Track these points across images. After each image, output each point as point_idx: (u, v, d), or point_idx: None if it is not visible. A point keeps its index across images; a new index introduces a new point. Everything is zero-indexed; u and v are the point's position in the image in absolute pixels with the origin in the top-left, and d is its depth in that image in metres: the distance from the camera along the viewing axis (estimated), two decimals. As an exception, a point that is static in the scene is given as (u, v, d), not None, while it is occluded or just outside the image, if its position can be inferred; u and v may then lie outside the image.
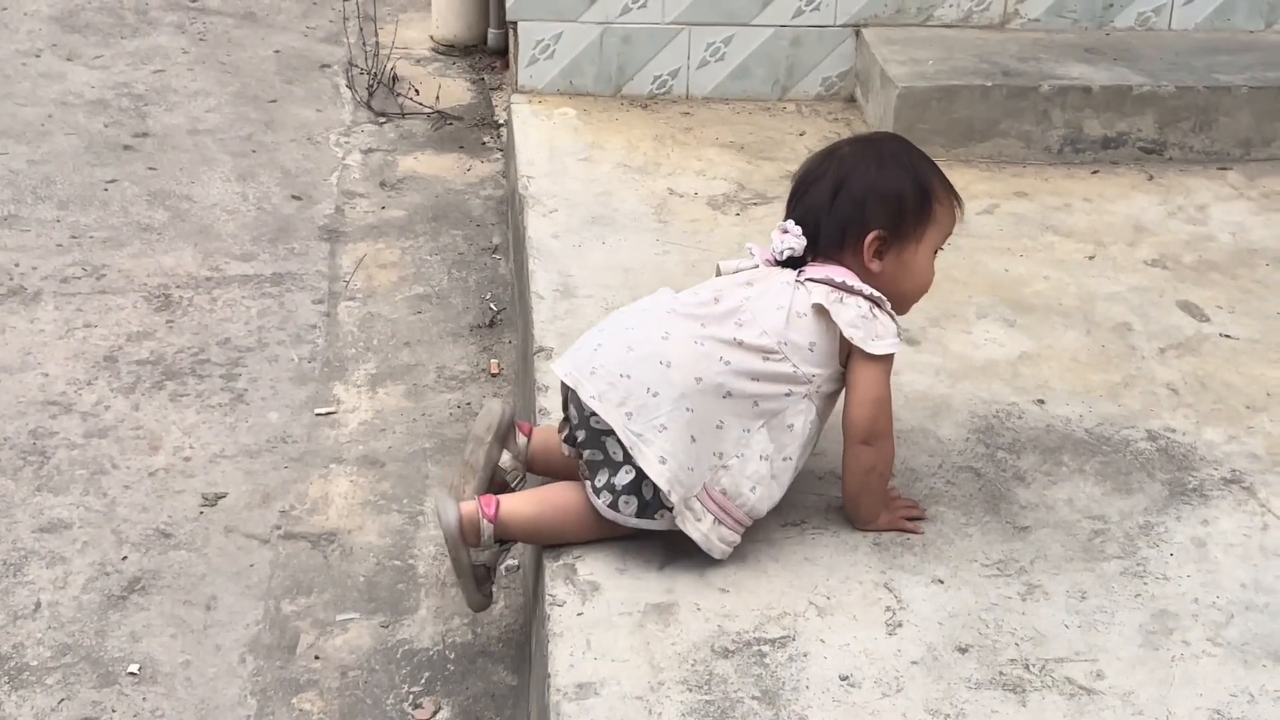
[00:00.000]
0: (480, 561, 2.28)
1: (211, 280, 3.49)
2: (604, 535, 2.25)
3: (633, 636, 2.10)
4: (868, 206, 2.27)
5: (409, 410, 3.06)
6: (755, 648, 2.08)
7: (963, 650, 2.09)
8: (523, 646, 2.43)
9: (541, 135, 3.83)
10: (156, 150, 4.15)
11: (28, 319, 3.27)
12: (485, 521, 2.24)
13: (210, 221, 3.78)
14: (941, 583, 2.22)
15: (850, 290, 2.22)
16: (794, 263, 2.30)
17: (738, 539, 2.22)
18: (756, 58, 4.07)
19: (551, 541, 2.26)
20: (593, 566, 2.24)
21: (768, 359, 2.19)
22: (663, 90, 4.10)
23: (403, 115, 4.52)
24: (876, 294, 2.24)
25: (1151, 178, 3.70)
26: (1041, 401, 2.69)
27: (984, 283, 3.13)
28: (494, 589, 2.37)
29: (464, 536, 2.25)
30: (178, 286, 3.45)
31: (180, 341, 3.22)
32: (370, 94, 4.61)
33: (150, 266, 3.53)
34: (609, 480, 2.20)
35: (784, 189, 3.53)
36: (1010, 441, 2.57)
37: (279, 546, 2.63)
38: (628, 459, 2.17)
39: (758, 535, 2.29)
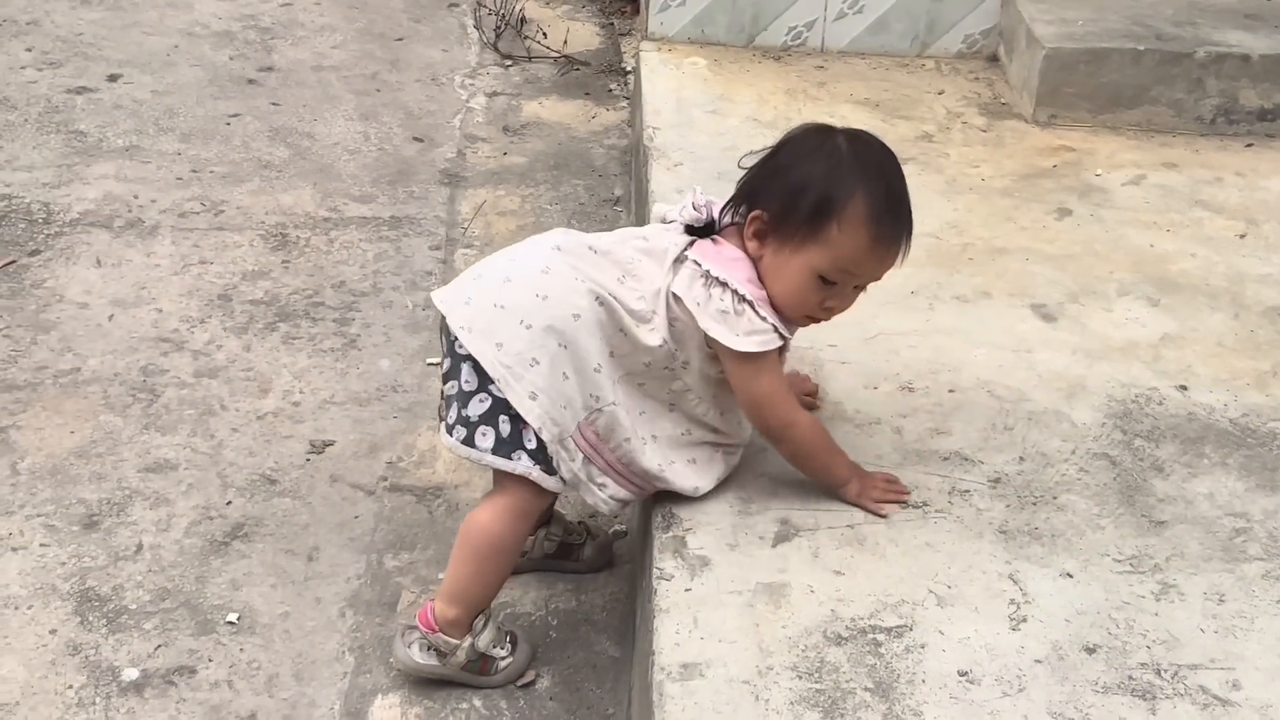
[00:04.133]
0: (483, 652, 2.20)
1: (329, 221, 3.44)
2: (521, 542, 2.19)
3: (741, 617, 2.01)
4: (771, 184, 2.08)
5: (522, 363, 2.99)
6: (870, 636, 1.98)
7: (1090, 650, 1.97)
8: (627, 617, 2.35)
9: (670, 85, 3.72)
10: (280, 85, 4.10)
11: (144, 252, 3.24)
12: (432, 635, 2.16)
13: (330, 161, 3.73)
14: (1070, 577, 2.10)
15: (718, 282, 2.07)
16: (709, 228, 2.16)
17: (622, 492, 2.16)
18: (896, 11, 3.93)
19: (498, 585, 2.19)
20: (703, 540, 2.15)
21: (639, 325, 2.09)
22: (797, 42, 3.97)
23: (529, 58, 4.44)
24: (749, 293, 2.06)
25: (1309, 153, 3.52)
26: (1184, 387, 2.55)
27: (1127, 258, 2.98)
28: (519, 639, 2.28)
29: (440, 658, 2.18)
30: (295, 226, 3.40)
31: (295, 283, 3.18)
32: (497, 35, 4.53)
33: (269, 204, 3.48)
34: (460, 413, 2.08)
35: (920, 149, 3.42)
36: (1149, 429, 2.43)
37: (384, 499, 2.58)
38: (483, 387, 2.07)
39: (875, 517, 2.19)
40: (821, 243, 2.03)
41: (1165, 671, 1.94)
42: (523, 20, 4.63)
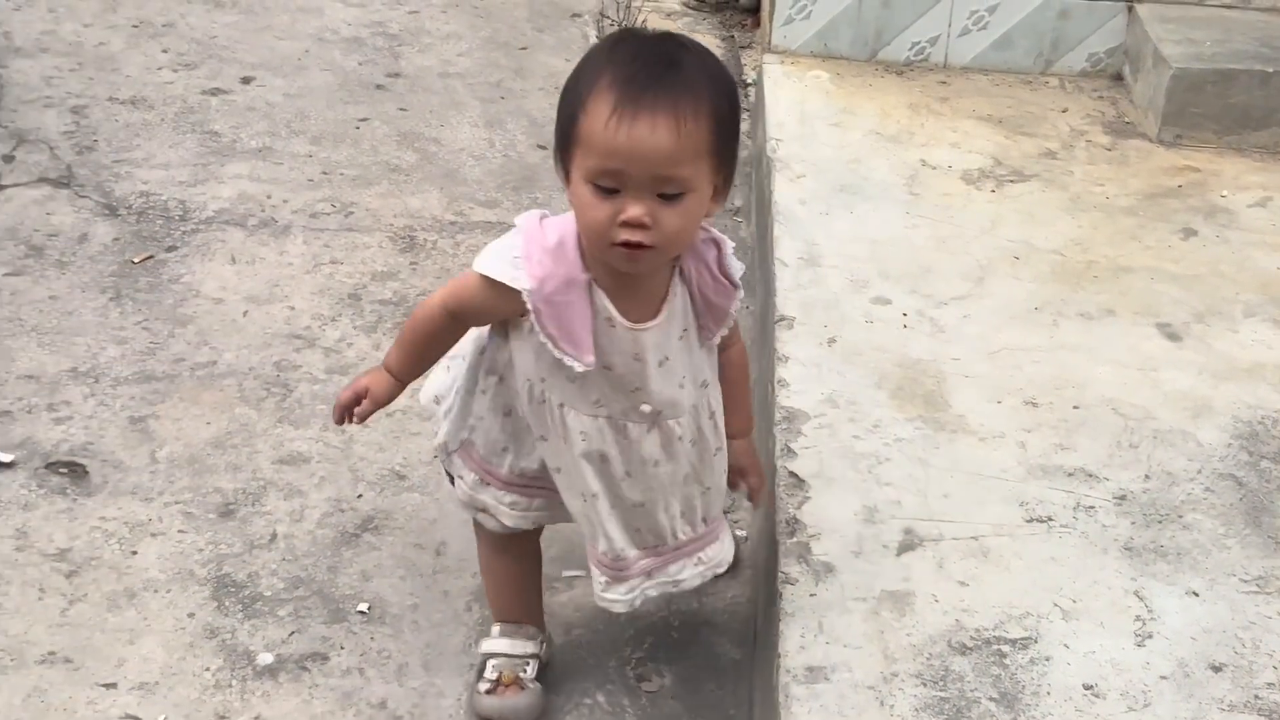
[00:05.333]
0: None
1: (455, 225, 3.51)
2: (496, 558, 2.25)
3: (866, 624, 2.04)
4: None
5: (643, 369, 3.03)
6: (995, 647, 2.00)
7: (1216, 669, 1.98)
8: (748, 621, 2.38)
9: (792, 97, 3.75)
10: (407, 91, 4.18)
11: (277, 251, 3.33)
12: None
13: (457, 166, 3.79)
14: (1196, 595, 2.10)
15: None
16: None
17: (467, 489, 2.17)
18: (1021, 28, 3.93)
19: (510, 598, 2.27)
20: (827, 547, 2.18)
21: None
22: (920, 57, 3.98)
23: (651, 69, 4.48)
24: (524, 223, 1.90)
25: None
26: (1311, 411, 2.54)
27: (1253, 279, 2.96)
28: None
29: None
30: (423, 229, 3.47)
31: (422, 284, 3.24)
32: (619, 46, 4.58)
33: (397, 207, 3.55)
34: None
35: (1044, 167, 3.43)
36: (1276, 450, 2.43)
37: (509, 497, 2.63)
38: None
39: (1001, 530, 2.20)
40: (579, 142, 1.77)
41: (1293, 693, 1.94)
42: (644, 31, 4.68)
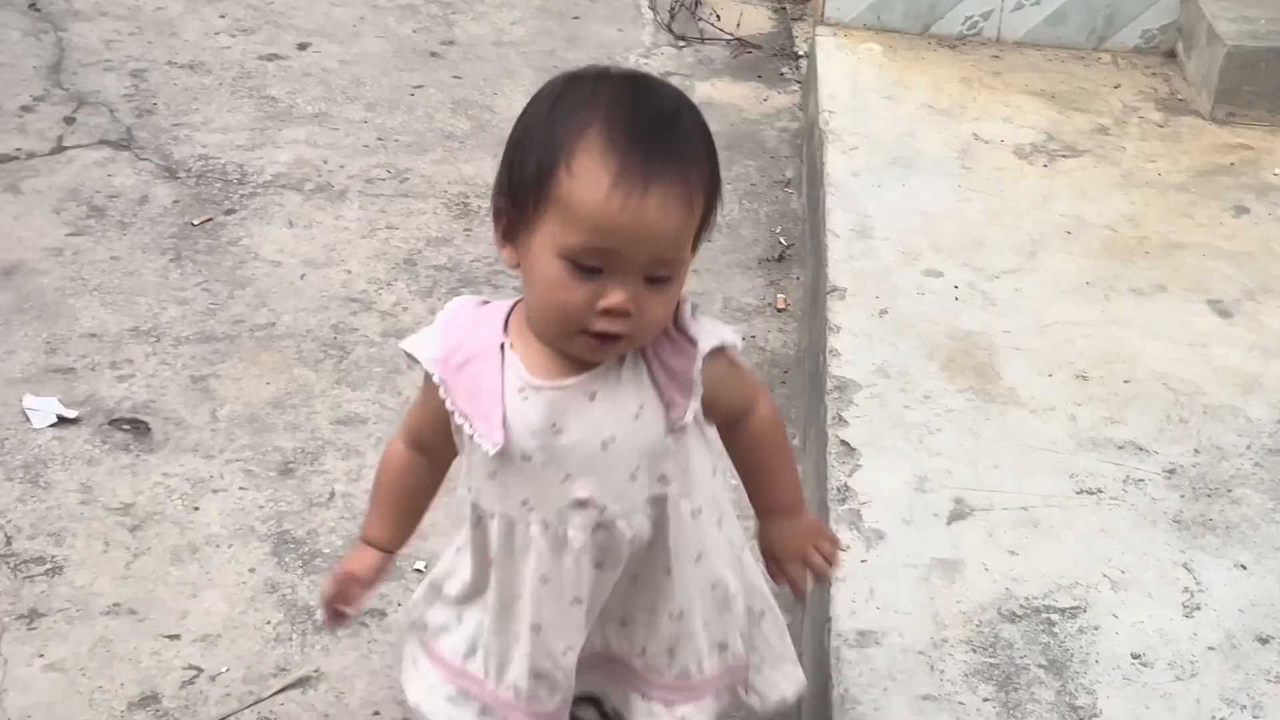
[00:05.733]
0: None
1: (509, 192, 3.54)
2: None
3: (917, 590, 2.07)
4: (503, 159, 1.53)
5: (694, 337, 3.06)
6: (1044, 615, 2.03)
7: (1263, 641, 2.00)
8: (798, 586, 2.41)
9: (845, 70, 3.76)
10: (461, 59, 4.21)
11: (334, 215, 3.37)
12: None
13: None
14: (1244, 569, 2.13)
15: None
16: None
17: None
18: (1074, 4, 3.92)
19: None
20: (878, 514, 2.21)
21: None
22: (973, 31, 3.99)
23: (702, 40, 4.50)
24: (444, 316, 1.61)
25: None
26: (1362, 389, 2.55)
27: (1305, 257, 2.97)
28: None
29: None
30: (476, 196, 3.50)
31: (477, 250, 3.27)
32: (672, 16, 4.60)
33: (451, 174, 3.59)
34: None
35: (1096, 142, 3.43)
36: (1326, 428, 2.44)
37: (562, 461, 2.66)
38: None
39: (1051, 501, 2.23)
40: (556, 208, 1.43)
41: (1340, 666, 1.96)
42: (697, 2, 4.69)
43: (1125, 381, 2.54)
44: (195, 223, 3.28)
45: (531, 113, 1.50)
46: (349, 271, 3.16)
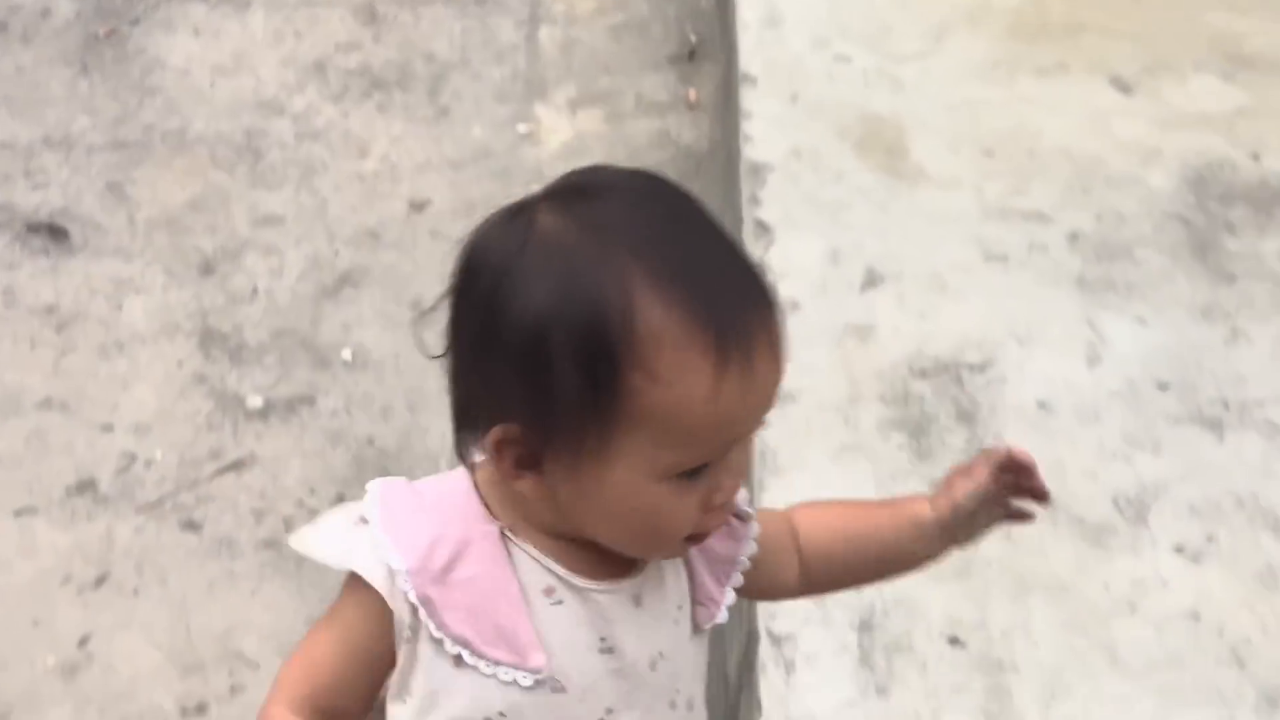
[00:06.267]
0: None
1: (416, -3, 3.52)
2: None
3: (831, 353, 2.14)
4: (486, 366, 1.05)
5: (607, 134, 3.09)
6: (953, 371, 2.11)
7: (1163, 387, 2.09)
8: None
9: None
10: None
11: (239, 24, 3.33)
12: None
13: (415, -60, 3.79)
14: (1144, 323, 2.21)
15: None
16: None
17: None
18: None
19: None
20: (794, 286, 2.27)
21: None
22: None
23: None
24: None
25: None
26: (1257, 156, 2.63)
27: (1203, 35, 3.02)
28: None
29: None
30: (382, 2, 3.48)
31: (386, 54, 3.26)
32: None
33: (356, -20, 3.56)
34: None
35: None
36: (1222, 193, 2.52)
37: (482, 253, 2.70)
38: None
39: (959, 268, 2.29)
40: (636, 423, 1.00)
41: (1233, 405, 2.06)
42: None
43: (1030, 155, 2.60)
44: (100, 34, 3.24)
45: (504, 296, 1.03)
46: (258, 78, 3.14)
